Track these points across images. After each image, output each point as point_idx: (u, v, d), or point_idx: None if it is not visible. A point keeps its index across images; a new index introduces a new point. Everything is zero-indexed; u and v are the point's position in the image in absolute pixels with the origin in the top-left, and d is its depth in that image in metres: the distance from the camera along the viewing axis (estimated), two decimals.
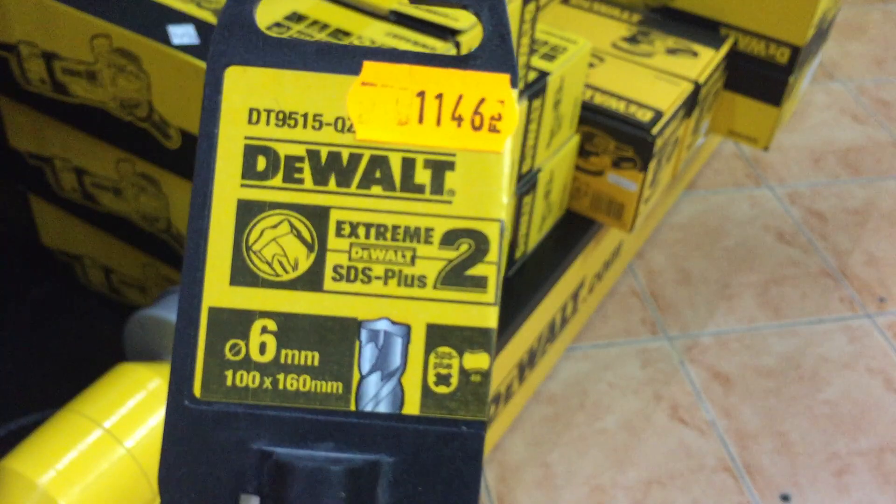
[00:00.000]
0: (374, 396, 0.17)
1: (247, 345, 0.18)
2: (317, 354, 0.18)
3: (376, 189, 0.20)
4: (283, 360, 0.18)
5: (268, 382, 0.18)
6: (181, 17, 0.69)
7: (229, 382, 0.18)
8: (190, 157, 0.71)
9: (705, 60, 1.13)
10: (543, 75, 0.90)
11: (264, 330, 0.18)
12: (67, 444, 0.56)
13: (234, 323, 0.18)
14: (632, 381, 1.23)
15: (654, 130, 1.01)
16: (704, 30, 1.19)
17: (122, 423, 0.58)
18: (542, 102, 0.90)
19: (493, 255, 0.20)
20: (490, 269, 0.20)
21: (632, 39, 1.16)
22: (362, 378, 0.18)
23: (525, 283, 1.02)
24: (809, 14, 1.11)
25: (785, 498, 1.10)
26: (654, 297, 1.35)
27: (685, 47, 1.15)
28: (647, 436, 1.16)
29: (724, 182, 1.59)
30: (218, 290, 0.19)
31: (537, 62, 0.91)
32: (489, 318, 0.19)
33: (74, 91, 0.74)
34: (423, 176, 0.20)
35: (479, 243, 0.20)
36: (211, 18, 0.69)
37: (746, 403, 1.21)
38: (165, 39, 0.66)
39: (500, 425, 1.10)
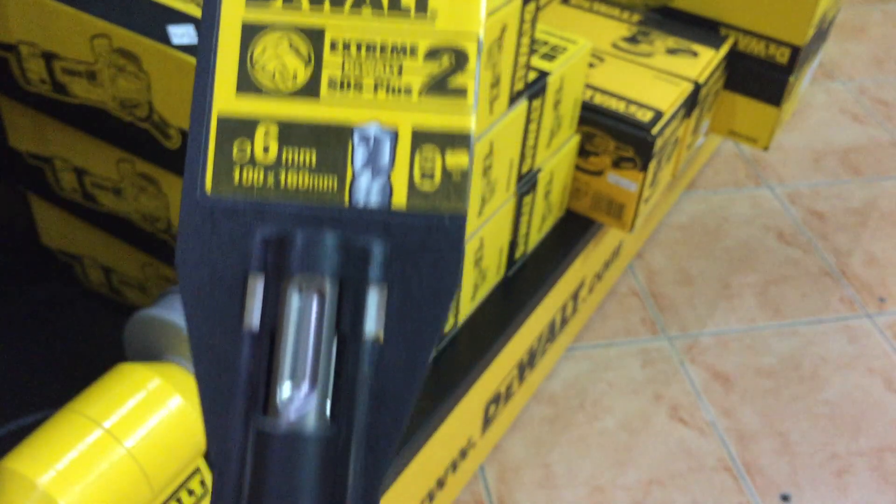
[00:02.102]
0: (366, 191, 0.19)
1: (252, 146, 0.20)
2: (314, 154, 0.20)
3: (366, 11, 0.22)
4: (284, 160, 0.20)
5: (271, 179, 0.20)
6: (181, 17, 0.69)
7: (236, 180, 0.20)
8: None
9: (705, 60, 1.13)
10: (543, 75, 0.90)
11: (267, 133, 0.20)
12: (67, 444, 0.56)
13: (241, 127, 0.20)
14: (632, 381, 1.23)
15: (655, 130, 1.00)
16: (704, 30, 1.19)
17: (122, 423, 0.58)
18: (542, 102, 0.90)
19: (472, 67, 0.22)
20: (469, 80, 0.22)
21: (632, 39, 1.16)
22: (355, 175, 0.20)
23: (525, 283, 1.02)
24: (809, 14, 1.11)
25: (785, 498, 1.10)
26: (654, 296, 1.35)
27: (685, 47, 1.15)
28: (647, 436, 1.16)
29: (725, 182, 1.59)
30: (225, 99, 0.21)
31: (537, 62, 0.91)
32: (468, 122, 0.21)
33: (74, 91, 0.74)
34: None
35: (459, 57, 0.22)
36: None
37: (746, 403, 1.21)
38: (165, 39, 0.66)
39: (500, 425, 1.10)
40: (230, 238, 0.19)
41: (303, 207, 0.19)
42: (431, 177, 0.20)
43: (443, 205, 0.19)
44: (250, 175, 0.20)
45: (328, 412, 0.18)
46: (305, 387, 0.17)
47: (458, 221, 0.19)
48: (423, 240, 0.19)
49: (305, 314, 0.18)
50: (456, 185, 0.20)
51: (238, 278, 0.19)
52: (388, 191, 0.20)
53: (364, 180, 0.20)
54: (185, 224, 0.19)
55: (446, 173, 0.20)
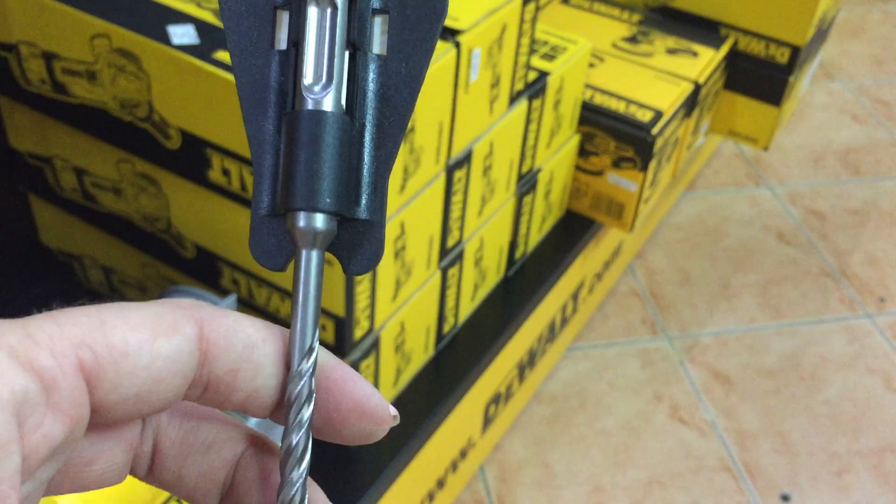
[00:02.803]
0: None
1: None
2: None
3: None
4: None
5: None
6: (181, 17, 0.69)
7: None
8: (189, 158, 0.71)
9: (705, 60, 1.13)
10: (543, 75, 0.90)
11: None
12: None
13: None
14: (632, 381, 1.23)
15: (655, 130, 1.01)
16: (704, 30, 1.19)
17: None
18: (542, 102, 0.90)
19: None
20: None
21: (632, 39, 1.16)
22: None
23: (525, 283, 1.02)
24: (809, 14, 1.11)
25: (785, 498, 1.10)
26: (654, 296, 1.35)
27: (685, 47, 1.15)
28: (647, 436, 1.16)
29: (725, 182, 1.59)
30: None
31: (537, 62, 0.91)
32: None
33: (74, 91, 0.74)
34: None
35: None
36: (211, 18, 0.69)
37: (746, 403, 1.21)
38: (165, 39, 0.66)
39: (500, 425, 1.10)
40: None
41: None
42: None
43: None
44: None
45: (343, 105, 0.22)
46: (324, 79, 0.21)
47: None
48: None
49: (321, 23, 0.22)
50: None
51: (269, 8, 0.22)
52: None
53: None
54: None
55: None
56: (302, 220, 0.21)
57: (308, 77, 0.22)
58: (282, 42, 0.22)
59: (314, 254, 0.22)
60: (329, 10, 0.22)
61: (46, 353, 0.17)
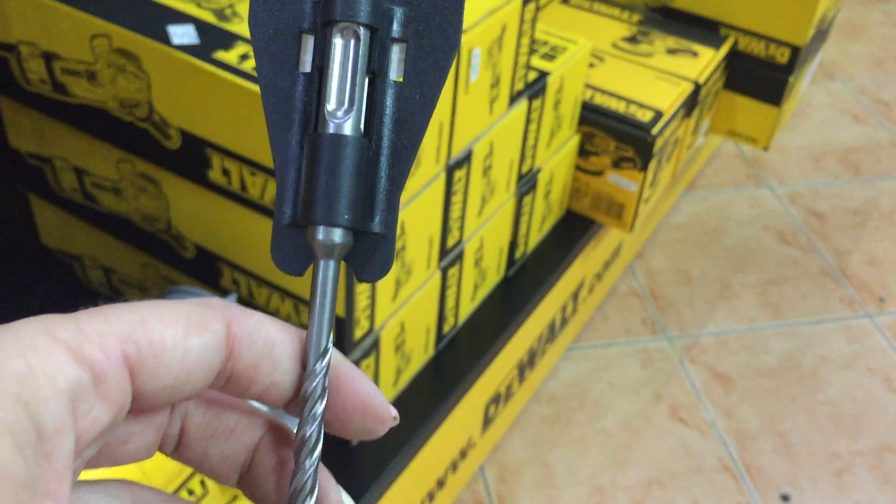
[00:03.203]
0: None
1: None
2: None
3: None
4: None
5: None
6: (181, 17, 0.69)
7: None
8: (189, 158, 0.71)
9: (705, 60, 1.13)
10: (543, 75, 0.90)
11: None
12: None
13: None
14: (632, 381, 1.23)
15: (655, 130, 1.01)
16: (704, 30, 1.19)
17: None
18: (542, 102, 0.90)
19: None
20: None
21: (632, 39, 1.16)
22: None
23: (525, 283, 1.02)
24: (809, 14, 1.11)
25: (785, 498, 1.10)
26: (654, 297, 1.35)
27: (685, 47, 1.15)
28: (647, 436, 1.16)
29: (725, 182, 1.59)
30: None
31: (537, 62, 0.91)
32: None
33: (74, 91, 0.74)
34: None
35: None
36: (211, 18, 0.69)
37: (746, 403, 1.21)
38: (165, 39, 0.66)
39: (501, 425, 1.10)
40: (289, 5, 0.24)
41: None
42: None
43: None
44: None
45: (362, 128, 0.24)
46: (346, 105, 0.23)
47: None
48: (433, 4, 0.24)
49: (345, 52, 0.23)
50: None
51: (295, 33, 0.24)
52: None
53: None
54: None
55: None
56: (321, 234, 0.23)
57: (332, 103, 0.23)
58: (306, 65, 0.24)
59: (331, 264, 0.24)
60: (353, 41, 0.23)
61: (96, 347, 0.19)
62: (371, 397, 0.23)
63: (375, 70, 0.24)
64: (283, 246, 0.24)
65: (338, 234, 0.23)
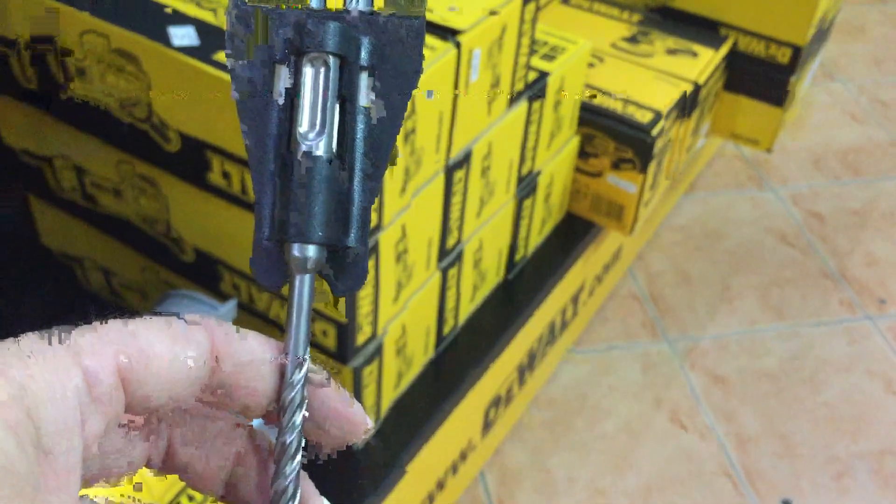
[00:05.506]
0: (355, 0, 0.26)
1: None
2: None
3: None
4: None
5: None
6: (181, 18, 0.68)
7: None
8: (189, 160, 0.70)
9: (705, 61, 1.13)
10: (543, 75, 0.89)
11: None
12: None
13: None
14: (632, 384, 1.22)
15: (654, 132, 1.00)
16: (704, 30, 1.19)
17: None
18: (541, 103, 0.90)
19: None
20: None
21: (632, 39, 1.16)
22: None
23: (525, 286, 1.02)
24: (810, 14, 1.11)
25: (786, 503, 1.10)
26: (655, 299, 1.35)
27: (685, 47, 1.15)
28: (647, 440, 1.16)
29: (725, 184, 1.58)
30: None
31: (537, 62, 0.90)
32: None
33: (75, 90, 0.73)
34: None
35: None
36: (211, 19, 0.69)
37: (747, 406, 1.21)
38: (165, 40, 0.66)
39: (501, 429, 1.09)
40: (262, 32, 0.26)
41: (310, 11, 0.26)
42: None
43: (409, 9, 0.26)
44: None
45: (334, 149, 0.25)
46: (317, 128, 0.25)
47: (420, 21, 0.26)
48: (396, 34, 0.26)
49: (316, 80, 0.25)
50: None
51: (269, 62, 0.25)
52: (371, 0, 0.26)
53: None
54: (232, 24, 0.26)
55: None
56: (296, 250, 0.25)
57: (304, 126, 0.25)
58: (280, 93, 0.26)
59: (307, 278, 0.25)
60: (323, 69, 0.25)
61: (91, 356, 0.21)
62: (347, 406, 0.25)
63: (345, 95, 0.25)
64: (262, 261, 0.26)
65: (311, 250, 0.25)
